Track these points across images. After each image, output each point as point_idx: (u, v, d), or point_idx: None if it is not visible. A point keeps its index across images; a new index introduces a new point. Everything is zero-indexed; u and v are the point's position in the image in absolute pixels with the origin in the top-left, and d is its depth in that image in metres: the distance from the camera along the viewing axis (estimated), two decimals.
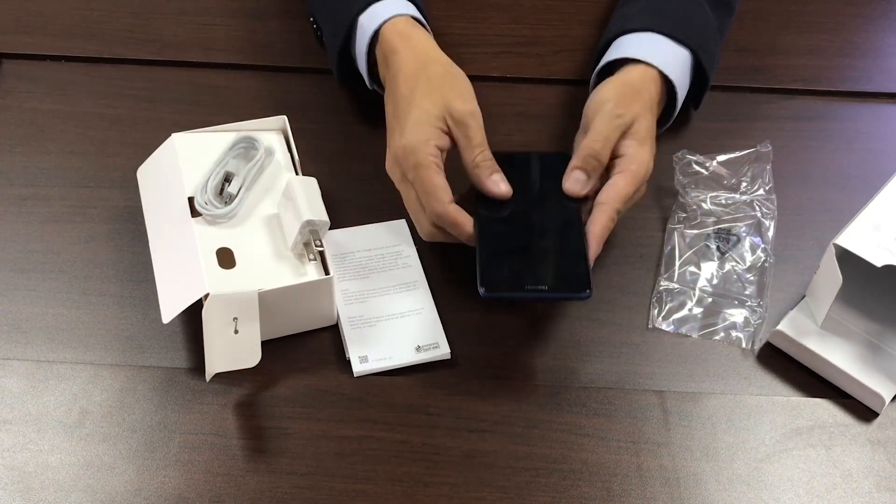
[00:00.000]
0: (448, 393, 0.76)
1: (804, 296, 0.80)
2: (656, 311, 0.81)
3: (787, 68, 0.98)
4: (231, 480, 0.72)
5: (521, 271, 0.75)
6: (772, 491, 0.72)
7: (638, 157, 0.79)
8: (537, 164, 0.84)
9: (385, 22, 0.84)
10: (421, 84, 0.80)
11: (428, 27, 0.87)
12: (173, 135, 0.82)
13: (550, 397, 0.76)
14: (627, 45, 0.85)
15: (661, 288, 0.82)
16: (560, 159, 0.83)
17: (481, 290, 0.73)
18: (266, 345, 0.76)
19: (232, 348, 0.73)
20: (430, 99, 0.79)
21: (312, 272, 0.76)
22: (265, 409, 0.75)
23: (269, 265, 0.76)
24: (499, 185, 0.79)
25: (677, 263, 0.83)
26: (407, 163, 0.78)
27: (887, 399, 0.75)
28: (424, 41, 0.84)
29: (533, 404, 0.76)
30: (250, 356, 0.73)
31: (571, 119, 0.92)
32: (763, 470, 0.73)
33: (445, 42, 0.99)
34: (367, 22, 0.85)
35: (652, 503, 0.71)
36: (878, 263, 0.73)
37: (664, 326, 0.80)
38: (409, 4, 0.87)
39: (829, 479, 0.73)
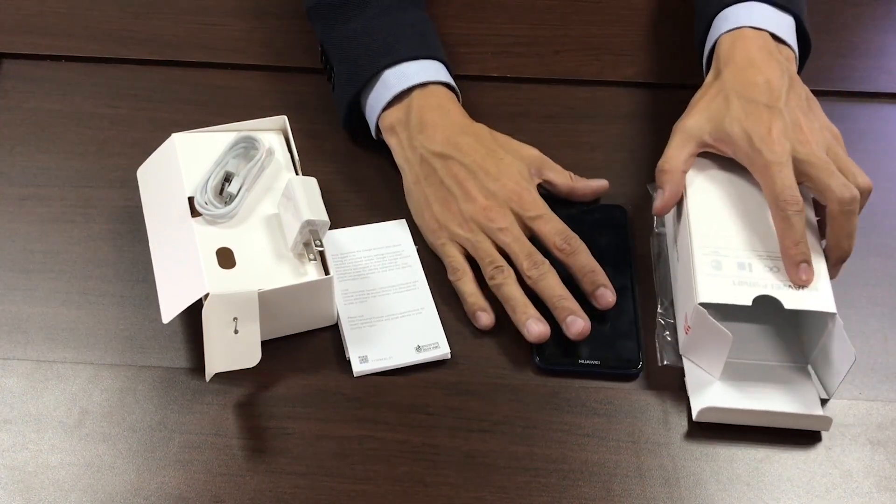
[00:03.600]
0: (448, 393, 0.76)
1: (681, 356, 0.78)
2: (670, 349, 0.78)
3: None
4: (231, 480, 0.72)
5: (576, 345, 0.78)
6: (772, 491, 0.72)
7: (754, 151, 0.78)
8: (592, 218, 0.85)
9: (418, 86, 0.84)
10: (501, 149, 0.84)
11: (458, 92, 0.87)
12: (173, 135, 0.82)
13: (550, 397, 0.76)
14: (735, 17, 0.84)
15: (661, 322, 0.80)
16: (616, 212, 0.85)
17: (536, 360, 0.77)
18: (266, 345, 0.76)
19: (232, 348, 0.73)
20: (521, 165, 0.83)
21: (312, 272, 0.76)
22: (265, 409, 0.75)
23: (269, 265, 0.76)
24: None
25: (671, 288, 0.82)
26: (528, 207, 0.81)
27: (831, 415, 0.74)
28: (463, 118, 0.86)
29: (533, 404, 0.76)
30: (250, 356, 0.73)
31: (571, 119, 0.92)
32: (763, 470, 0.73)
33: (445, 42, 0.99)
34: (394, 80, 0.84)
35: (652, 503, 0.71)
36: (749, 302, 0.73)
37: (678, 362, 0.78)
38: (441, 68, 0.86)
39: (828, 479, 0.73)
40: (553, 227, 0.80)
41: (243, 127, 0.83)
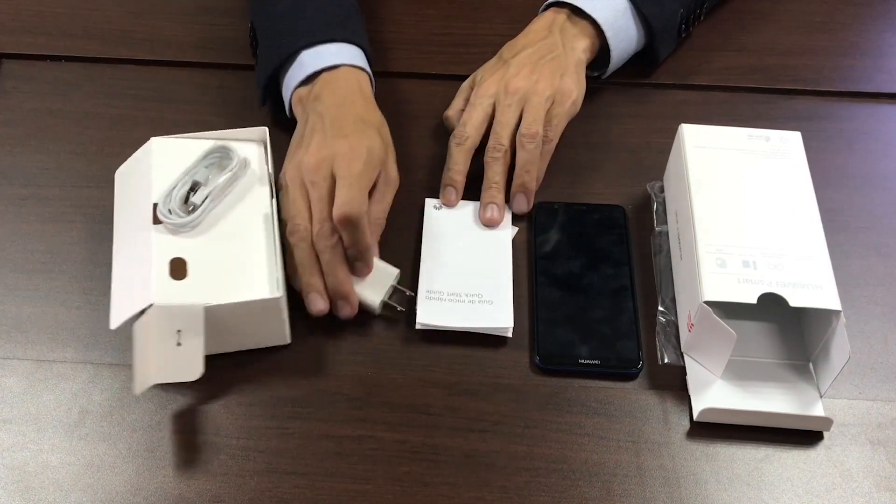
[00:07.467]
0: (448, 393, 0.76)
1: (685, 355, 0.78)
2: (671, 347, 0.78)
3: (787, 68, 0.98)
4: (231, 480, 0.72)
5: (576, 345, 0.78)
6: (772, 491, 0.72)
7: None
8: (591, 217, 0.85)
9: (332, 68, 0.84)
10: (372, 128, 0.81)
11: (372, 79, 0.88)
12: (152, 139, 0.80)
13: (550, 397, 0.76)
14: None
15: (662, 321, 0.80)
16: (616, 212, 0.85)
17: (537, 360, 0.77)
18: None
19: (172, 360, 0.70)
20: (379, 147, 0.81)
21: (263, 289, 0.74)
22: (265, 409, 0.75)
23: (221, 279, 0.74)
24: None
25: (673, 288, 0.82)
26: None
27: (832, 417, 0.74)
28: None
29: (533, 404, 0.76)
30: (191, 369, 0.70)
31: (571, 119, 0.92)
32: (763, 470, 0.73)
33: (445, 42, 1.00)
34: (309, 60, 0.85)
35: (652, 503, 0.71)
36: (754, 300, 0.72)
37: (678, 361, 0.78)
38: (358, 52, 0.86)
39: (828, 478, 0.73)
40: (342, 198, 0.76)
41: (224, 136, 0.81)
